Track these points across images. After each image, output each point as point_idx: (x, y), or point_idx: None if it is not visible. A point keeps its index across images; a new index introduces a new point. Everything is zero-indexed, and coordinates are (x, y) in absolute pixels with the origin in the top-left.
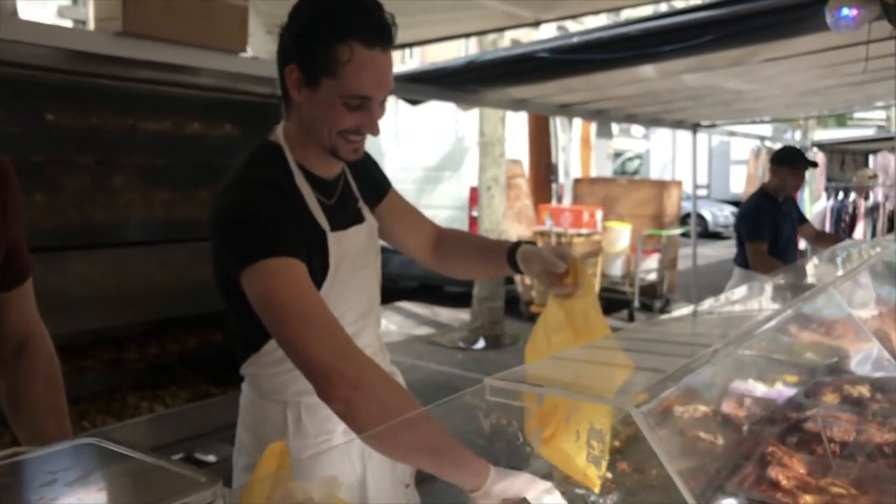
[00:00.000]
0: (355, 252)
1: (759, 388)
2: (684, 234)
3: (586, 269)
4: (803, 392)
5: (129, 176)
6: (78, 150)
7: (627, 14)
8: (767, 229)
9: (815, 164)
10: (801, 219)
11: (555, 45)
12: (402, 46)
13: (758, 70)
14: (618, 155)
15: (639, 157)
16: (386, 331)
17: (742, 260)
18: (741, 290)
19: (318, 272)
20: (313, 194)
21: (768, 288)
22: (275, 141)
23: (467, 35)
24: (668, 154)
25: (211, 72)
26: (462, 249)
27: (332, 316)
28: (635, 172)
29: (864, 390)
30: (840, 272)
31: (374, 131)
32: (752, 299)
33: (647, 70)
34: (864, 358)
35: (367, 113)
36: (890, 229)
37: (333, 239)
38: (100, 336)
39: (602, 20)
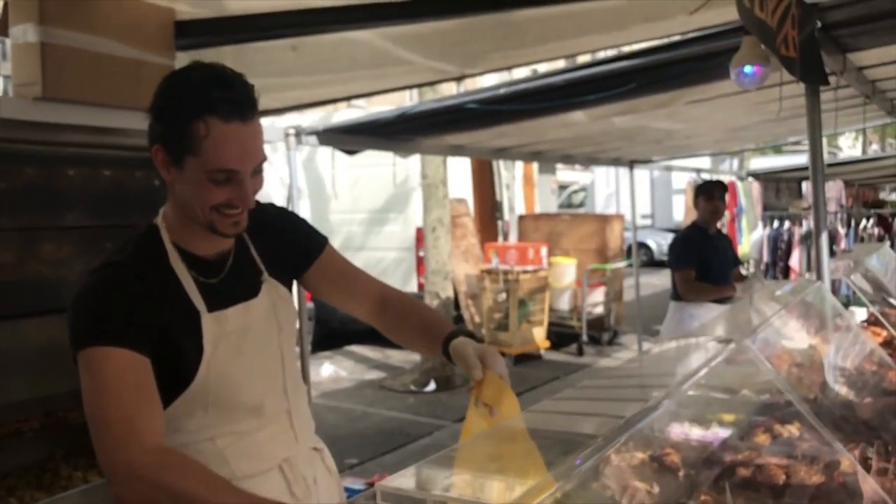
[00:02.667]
0: (240, 331)
1: (695, 432)
2: (631, 266)
3: (504, 385)
4: (737, 434)
5: (60, 239)
6: (6, 215)
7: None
8: (693, 258)
9: (725, 189)
10: (736, 260)
11: (483, 96)
12: (331, 102)
13: (685, 111)
14: (563, 188)
15: (583, 189)
16: (336, 377)
17: (675, 293)
18: (671, 345)
19: (192, 354)
20: (190, 274)
21: (701, 338)
22: (154, 223)
23: (396, 89)
24: (612, 185)
25: (142, 132)
26: (404, 323)
27: (126, 408)
28: (581, 204)
29: (794, 429)
30: (765, 314)
31: (247, 204)
32: (684, 351)
33: (577, 115)
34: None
35: (237, 186)
36: None
37: (210, 320)
38: (34, 406)
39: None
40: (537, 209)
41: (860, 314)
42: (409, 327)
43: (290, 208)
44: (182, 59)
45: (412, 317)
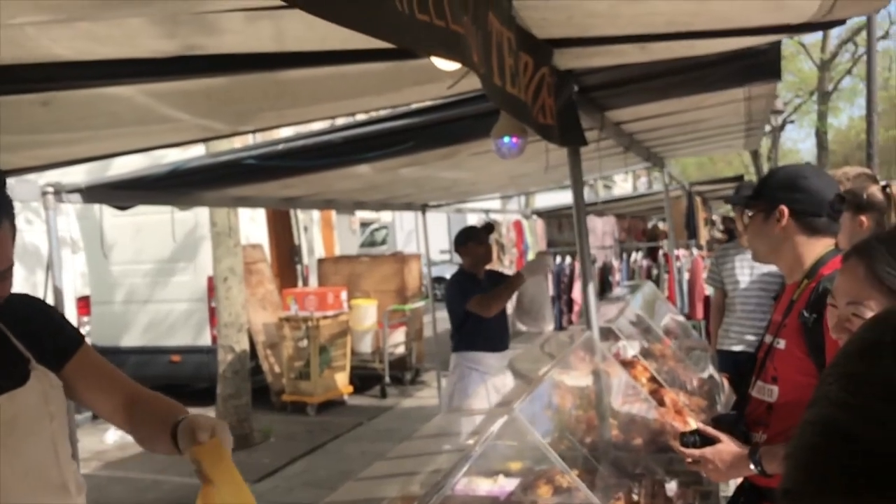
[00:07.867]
0: (5, 425)
1: (483, 486)
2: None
3: (225, 456)
4: (522, 486)
5: None
6: None
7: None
8: (472, 294)
9: (492, 229)
10: None
11: (261, 152)
12: (92, 160)
13: (467, 162)
14: (365, 225)
15: (385, 227)
16: (122, 443)
17: (457, 344)
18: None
19: None
20: None
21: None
22: None
23: (163, 147)
24: (412, 223)
25: None
26: (148, 420)
27: None
28: (383, 242)
29: (571, 480)
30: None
31: None
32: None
33: (363, 168)
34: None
35: None
36: (602, 288)
37: None
38: None
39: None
40: (338, 251)
41: (633, 348)
42: (151, 423)
43: (51, 272)
44: None
45: (156, 412)
